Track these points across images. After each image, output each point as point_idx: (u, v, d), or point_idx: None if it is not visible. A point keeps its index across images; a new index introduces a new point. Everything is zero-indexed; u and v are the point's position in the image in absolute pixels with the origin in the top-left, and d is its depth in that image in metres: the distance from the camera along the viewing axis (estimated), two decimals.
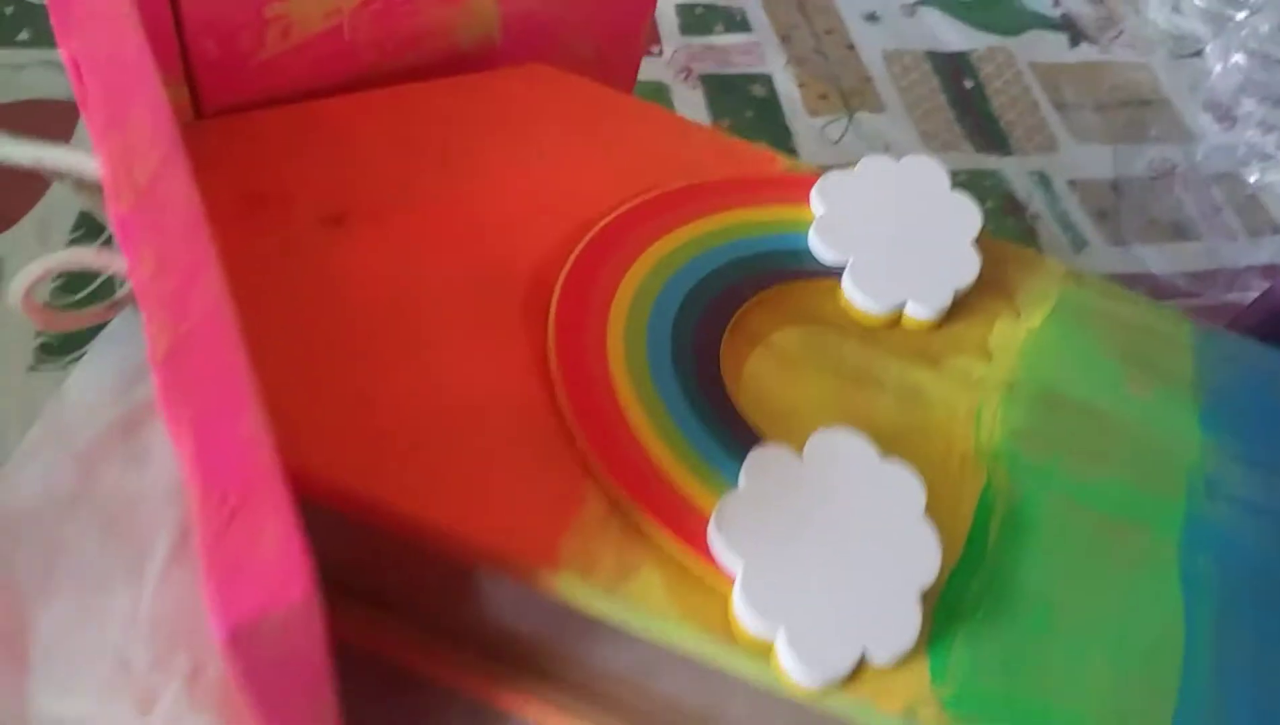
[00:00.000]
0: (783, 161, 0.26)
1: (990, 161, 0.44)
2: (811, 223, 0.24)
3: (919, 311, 0.23)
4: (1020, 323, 0.24)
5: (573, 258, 0.23)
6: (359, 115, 0.25)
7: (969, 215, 0.24)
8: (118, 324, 0.31)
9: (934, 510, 0.20)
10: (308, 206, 0.23)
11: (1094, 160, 0.44)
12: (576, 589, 0.20)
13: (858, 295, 0.23)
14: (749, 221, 0.25)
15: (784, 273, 0.24)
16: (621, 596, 0.19)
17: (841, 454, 0.21)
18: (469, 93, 0.26)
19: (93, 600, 0.27)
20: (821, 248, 0.24)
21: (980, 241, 0.24)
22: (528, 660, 0.25)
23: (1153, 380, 0.24)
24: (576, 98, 0.27)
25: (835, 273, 0.24)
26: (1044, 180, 0.43)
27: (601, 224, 0.24)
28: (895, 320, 0.24)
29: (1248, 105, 0.45)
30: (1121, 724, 0.19)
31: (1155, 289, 0.41)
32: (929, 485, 0.21)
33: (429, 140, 0.25)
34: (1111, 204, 0.43)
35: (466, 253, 0.23)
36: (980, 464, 0.22)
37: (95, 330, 0.32)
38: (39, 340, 0.33)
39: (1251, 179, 0.45)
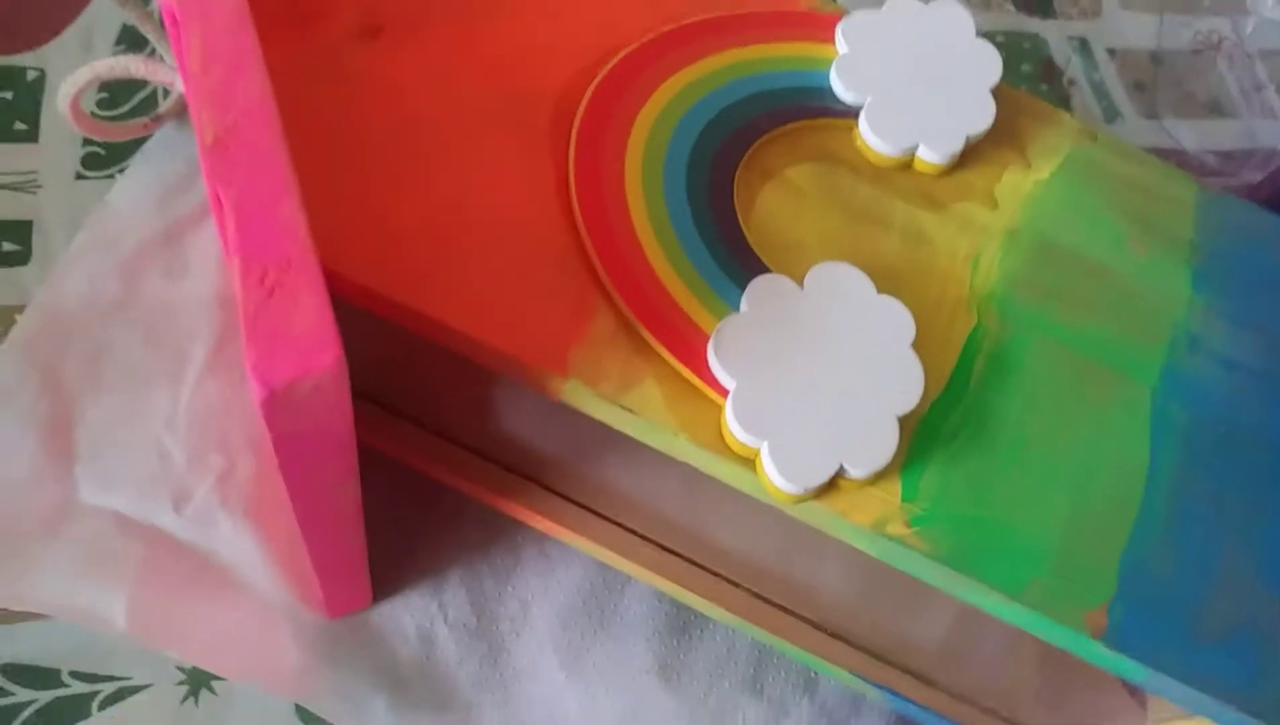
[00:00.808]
0: None
1: (1032, 24, 0.43)
2: (833, 61, 0.25)
3: (930, 155, 0.24)
4: (1029, 174, 0.25)
5: (596, 83, 0.24)
6: None
7: (989, 64, 0.25)
8: (160, 138, 0.33)
9: (923, 345, 0.21)
10: (347, 19, 0.24)
11: (1138, 29, 0.43)
12: (583, 396, 0.21)
13: (872, 136, 0.24)
14: (771, 57, 0.25)
15: (803, 110, 0.24)
16: (624, 405, 0.21)
17: (839, 287, 0.22)
18: None
19: (137, 398, 0.29)
20: (841, 87, 0.24)
21: (998, 91, 0.25)
22: (539, 475, 0.27)
23: (1151, 239, 0.25)
24: None
25: (853, 112, 0.24)
26: (1084, 46, 0.42)
27: (626, 51, 0.24)
28: (907, 163, 0.24)
29: None
30: (1077, 549, 0.21)
31: (1184, 165, 0.41)
32: (922, 322, 0.22)
33: None
34: (1149, 75, 0.42)
35: (497, 73, 0.24)
36: (973, 305, 0.23)
37: (138, 145, 0.33)
38: (85, 150, 0.34)
39: None
